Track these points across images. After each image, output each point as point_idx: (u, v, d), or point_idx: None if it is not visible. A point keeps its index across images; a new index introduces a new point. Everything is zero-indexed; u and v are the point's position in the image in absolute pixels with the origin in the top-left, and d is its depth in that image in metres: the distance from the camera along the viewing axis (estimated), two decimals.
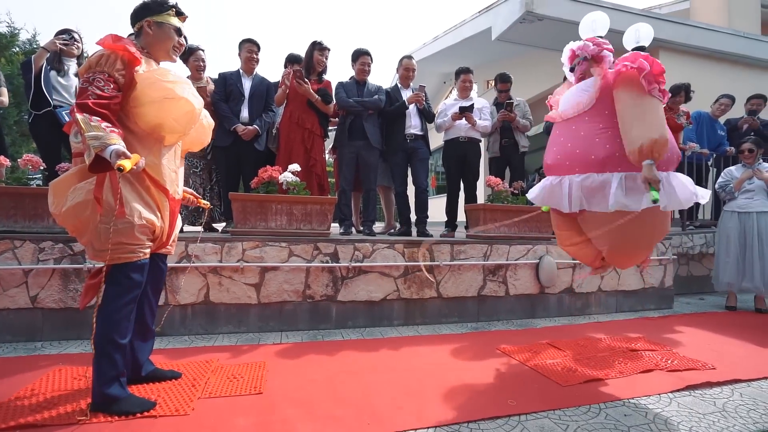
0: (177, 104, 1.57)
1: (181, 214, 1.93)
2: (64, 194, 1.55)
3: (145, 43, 1.70)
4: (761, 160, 3.74)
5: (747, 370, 2.16)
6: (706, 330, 3.01)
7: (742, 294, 3.96)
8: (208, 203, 2.07)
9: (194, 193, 2.04)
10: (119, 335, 1.55)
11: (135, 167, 1.42)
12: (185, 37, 1.80)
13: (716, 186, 3.93)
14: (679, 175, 1.88)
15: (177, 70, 1.75)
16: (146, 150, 1.61)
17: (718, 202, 4.06)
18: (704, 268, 4.22)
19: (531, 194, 2.26)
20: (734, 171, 3.81)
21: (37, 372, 1.96)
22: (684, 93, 4.47)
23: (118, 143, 1.42)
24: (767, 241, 3.57)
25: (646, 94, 1.78)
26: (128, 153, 1.42)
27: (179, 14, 1.75)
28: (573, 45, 2.12)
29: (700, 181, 4.90)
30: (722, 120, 5.03)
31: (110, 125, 1.45)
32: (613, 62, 1.97)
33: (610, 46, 2.03)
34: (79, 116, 1.44)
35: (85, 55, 3.73)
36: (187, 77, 3.52)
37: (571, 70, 2.18)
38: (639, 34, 4.36)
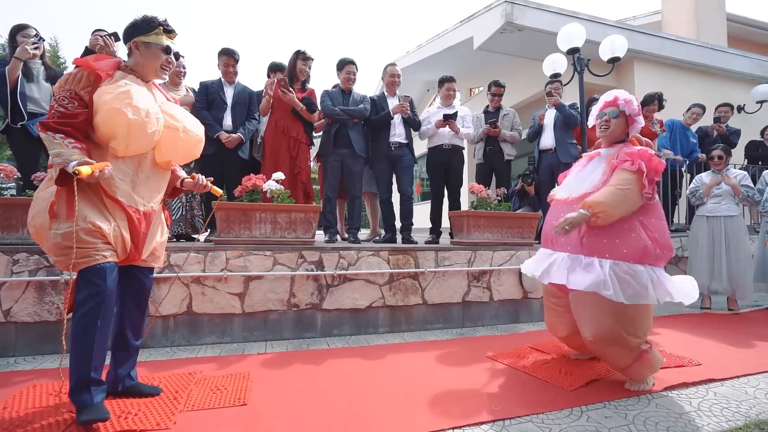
0: (113, 115, 1.53)
1: (169, 229, 1.87)
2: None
3: (134, 63, 1.72)
4: (729, 167, 3.91)
5: (720, 370, 2.24)
6: (682, 331, 3.11)
7: (715, 296, 4.10)
8: (220, 191, 2.00)
9: (203, 177, 1.93)
10: (86, 342, 1.53)
11: (99, 173, 1.46)
12: (176, 54, 1.81)
13: (687, 192, 4.09)
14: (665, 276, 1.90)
15: (134, 79, 1.70)
16: (99, 161, 1.58)
17: (692, 207, 4.23)
18: (680, 271, 4.36)
19: (524, 267, 2.33)
20: (704, 177, 3.96)
21: (10, 389, 1.89)
22: (657, 102, 4.66)
23: (79, 158, 1.47)
24: (734, 244, 3.71)
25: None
26: (90, 161, 1.46)
27: (168, 32, 1.75)
28: (620, 94, 2.09)
29: (675, 186, 5.10)
30: (694, 128, 5.25)
31: (73, 141, 1.51)
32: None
33: (641, 117, 2.10)
34: (42, 135, 1.52)
35: (62, 61, 3.63)
36: (166, 84, 3.52)
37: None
38: (614, 46, 4.52)
